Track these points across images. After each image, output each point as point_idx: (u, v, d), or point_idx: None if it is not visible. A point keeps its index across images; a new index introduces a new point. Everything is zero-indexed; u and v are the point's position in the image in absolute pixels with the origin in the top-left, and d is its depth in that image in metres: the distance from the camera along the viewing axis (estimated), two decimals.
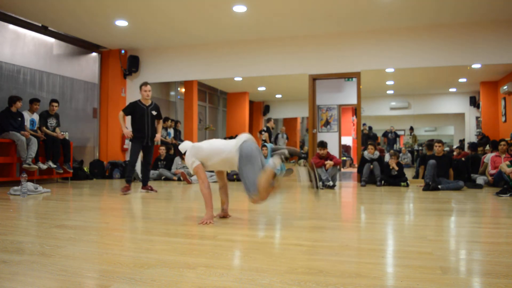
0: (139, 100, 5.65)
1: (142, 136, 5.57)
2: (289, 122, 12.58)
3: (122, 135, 8.58)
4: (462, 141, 9.76)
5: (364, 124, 9.68)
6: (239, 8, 6.22)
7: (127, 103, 8.71)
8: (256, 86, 10.96)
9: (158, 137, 5.80)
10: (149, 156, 5.75)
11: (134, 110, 5.59)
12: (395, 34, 7.20)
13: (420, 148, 10.33)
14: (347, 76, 7.80)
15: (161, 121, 5.89)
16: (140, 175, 7.65)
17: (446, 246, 2.58)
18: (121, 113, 5.65)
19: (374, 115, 10.58)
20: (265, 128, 10.06)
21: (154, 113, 5.66)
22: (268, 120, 10.35)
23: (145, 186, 5.74)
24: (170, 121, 9.13)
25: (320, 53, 7.57)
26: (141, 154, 5.90)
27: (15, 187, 5.20)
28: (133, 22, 6.94)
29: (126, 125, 5.74)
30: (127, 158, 8.64)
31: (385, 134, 10.80)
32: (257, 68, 7.98)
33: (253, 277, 1.85)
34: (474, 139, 9.13)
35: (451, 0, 5.93)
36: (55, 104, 6.94)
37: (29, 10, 6.37)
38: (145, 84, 5.62)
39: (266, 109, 11.91)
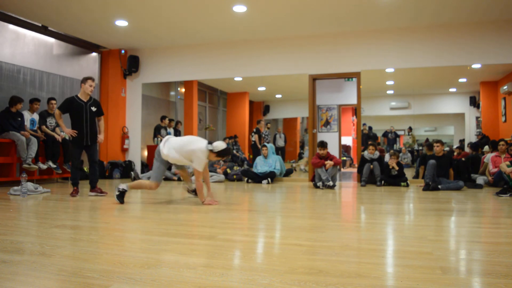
0: (77, 96, 5.03)
1: (80, 135, 4.98)
2: (289, 122, 12.58)
3: (122, 135, 8.59)
4: (462, 141, 9.76)
5: (364, 124, 9.68)
6: (239, 8, 6.22)
7: (127, 103, 8.77)
8: (256, 86, 10.96)
9: (101, 138, 5.20)
10: (94, 155, 5.16)
11: (71, 106, 4.96)
12: (395, 34, 7.20)
13: (420, 148, 10.33)
14: (347, 76, 7.80)
15: (102, 118, 5.28)
16: (140, 175, 7.67)
17: (446, 246, 2.58)
18: (57, 111, 4.99)
19: (374, 115, 10.58)
20: (254, 130, 9.97)
21: (93, 109, 5.07)
22: (258, 121, 10.27)
23: (93, 188, 5.20)
24: (168, 120, 9.13)
25: (320, 53, 7.58)
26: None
27: (15, 187, 5.20)
28: (133, 22, 6.95)
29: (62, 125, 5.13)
30: (127, 158, 8.64)
31: (385, 134, 10.80)
32: (257, 68, 7.98)
33: (253, 277, 1.85)
34: (474, 139, 9.13)
35: (451, 0, 5.93)
36: (54, 102, 6.92)
37: (29, 10, 6.37)
38: (92, 79, 5.04)
39: (266, 109, 11.90)
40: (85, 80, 5.02)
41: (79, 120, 4.98)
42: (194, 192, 4.76)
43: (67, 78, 8.03)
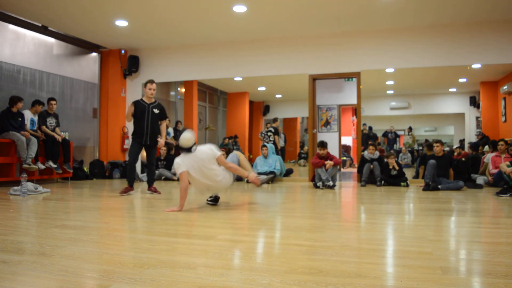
0: (141, 99, 5.48)
1: (140, 134, 5.33)
2: (289, 122, 12.58)
3: (122, 135, 8.59)
4: (462, 141, 9.77)
5: (364, 124, 9.68)
6: (239, 8, 6.22)
7: (127, 103, 8.76)
8: (256, 86, 10.96)
9: (161, 142, 5.49)
10: (151, 156, 5.51)
11: (136, 108, 5.37)
12: (395, 34, 7.20)
13: (420, 148, 10.33)
14: (347, 76, 7.80)
15: (165, 122, 5.60)
16: (140, 176, 7.67)
17: (446, 246, 2.58)
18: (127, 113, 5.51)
19: (374, 115, 10.59)
20: (272, 130, 9.39)
21: (156, 111, 5.40)
22: (275, 120, 10.03)
23: (150, 187, 5.50)
24: (168, 120, 9.12)
25: (320, 53, 7.57)
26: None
27: (15, 187, 5.20)
28: (133, 22, 6.94)
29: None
30: (127, 158, 8.63)
31: (385, 134, 10.81)
32: (257, 68, 7.98)
33: (253, 277, 1.85)
34: (474, 139, 9.14)
35: (451, 0, 5.93)
36: (53, 102, 6.92)
37: (29, 10, 6.37)
38: (151, 82, 5.40)
39: (266, 109, 11.91)
40: (145, 84, 5.41)
41: (141, 120, 5.33)
42: (213, 201, 4.36)
43: (67, 78, 8.03)
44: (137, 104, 5.41)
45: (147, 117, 5.34)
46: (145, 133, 5.33)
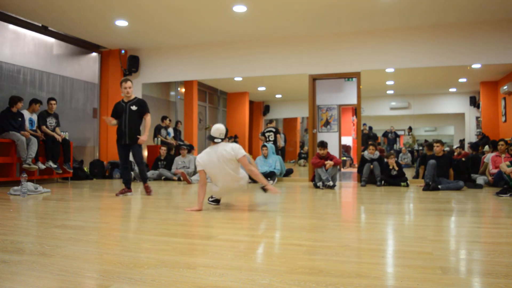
0: (122, 99, 5.29)
1: (120, 135, 5.20)
2: (289, 122, 12.57)
3: None
4: (462, 141, 9.76)
5: (364, 124, 9.67)
6: (239, 8, 6.22)
7: None
8: (256, 86, 10.95)
9: (142, 138, 5.20)
10: (136, 155, 5.27)
11: (116, 109, 5.25)
12: (395, 34, 7.20)
13: (420, 148, 10.33)
14: (347, 76, 7.80)
15: (147, 117, 5.25)
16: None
17: (446, 246, 2.58)
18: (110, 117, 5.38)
19: (374, 115, 10.57)
20: (273, 129, 9.22)
21: (133, 108, 5.17)
22: (271, 121, 10.02)
23: (144, 184, 5.40)
24: (168, 120, 9.12)
25: (320, 53, 7.58)
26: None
27: (15, 187, 5.20)
28: (133, 22, 6.95)
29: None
30: None
31: (385, 134, 10.80)
32: (257, 68, 7.98)
33: (253, 277, 1.85)
34: (474, 139, 9.13)
35: (452, 1, 5.93)
36: (53, 102, 6.92)
37: (29, 10, 6.37)
38: (125, 80, 5.17)
39: (266, 109, 11.90)
40: (120, 83, 5.24)
41: (120, 120, 5.20)
42: (215, 201, 4.32)
43: (67, 78, 8.03)
44: (117, 105, 5.29)
45: (124, 116, 5.17)
46: (123, 132, 5.18)
